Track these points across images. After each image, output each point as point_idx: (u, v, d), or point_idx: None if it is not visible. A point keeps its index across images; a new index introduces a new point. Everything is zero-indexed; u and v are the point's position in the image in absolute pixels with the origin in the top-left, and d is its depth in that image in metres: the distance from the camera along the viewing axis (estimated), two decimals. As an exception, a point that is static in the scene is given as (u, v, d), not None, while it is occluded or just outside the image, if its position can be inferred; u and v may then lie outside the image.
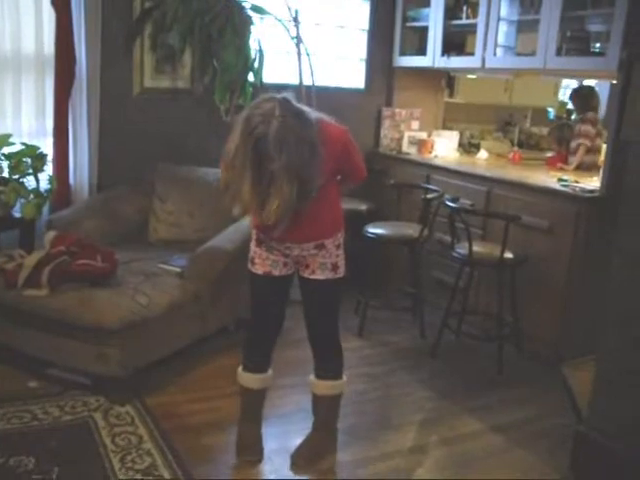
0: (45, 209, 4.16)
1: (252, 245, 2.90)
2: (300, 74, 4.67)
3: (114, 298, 3.35)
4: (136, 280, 3.57)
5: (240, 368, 3.04)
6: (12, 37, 4.10)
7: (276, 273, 2.87)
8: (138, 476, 2.77)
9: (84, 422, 3.17)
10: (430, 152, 5.40)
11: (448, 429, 3.40)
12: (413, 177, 5.09)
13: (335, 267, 2.85)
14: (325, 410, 3.05)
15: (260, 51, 4.41)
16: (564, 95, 6.94)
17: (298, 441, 3.06)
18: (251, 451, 3.00)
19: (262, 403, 3.08)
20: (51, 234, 3.68)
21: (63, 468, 2.77)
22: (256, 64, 4.41)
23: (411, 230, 4.44)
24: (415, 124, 5.71)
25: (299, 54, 4.66)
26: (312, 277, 2.85)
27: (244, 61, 4.29)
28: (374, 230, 4.46)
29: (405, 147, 5.57)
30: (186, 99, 4.76)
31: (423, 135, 5.60)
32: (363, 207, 5.02)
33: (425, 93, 5.79)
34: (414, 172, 5.17)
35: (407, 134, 5.60)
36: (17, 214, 4.00)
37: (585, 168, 4.85)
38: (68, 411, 3.26)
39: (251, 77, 4.42)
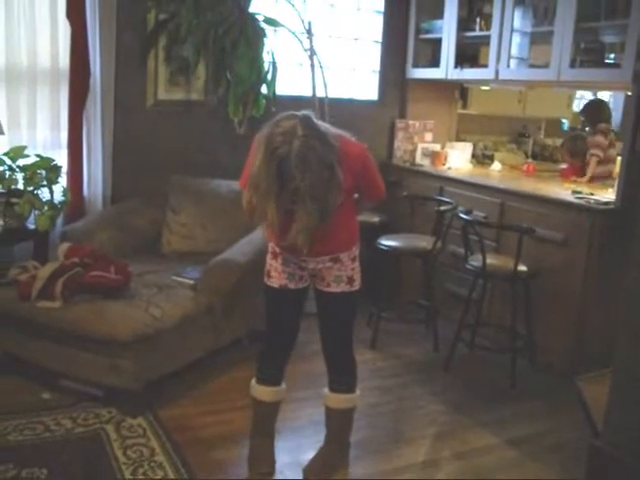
0: (59, 221, 4.19)
1: (268, 258, 2.91)
2: (313, 86, 4.68)
3: (127, 310, 3.36)
4: (149, 292, 3.58)
5: (253, 380, 3.03)
6: (28, 50, 4.14)
7: (292, 286, 2.87)
8: (150, 489, 2.77)
9: (96, 434, 3.17)
10: (443, 164, 5.39)
11: (461, 443, 3.37)
12: (426, 189, 5.08)
13: (351, 280, 2.84)
14: (338, 423, 3.04)
15: (273, 63, 4.43)
16: (578, 106, 6.92)
17: (310, 455, 3.05)
18: (263, 465, 2.98)
19: (275, 416, 3.07)
20: (65, 246, 3.70)
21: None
22: (269, 76, 4.42)
23: (424, 242, 4.43)
24: (428, 136, 5.71)
25: (312, 66, 4.66)
26: (327, 290, 2.85)
27: (257, 73, 4.29)
28: (387, 242, 4.45)
29: (418, 159, 5.57)
30: (200, 111, 4.78)
31: (436, 147, 5.60)
32: (376, 219, 5.01)
33: (438, 105, 5.79)
34: (427, 184, 5.17)
35: (420, 146, 5.60)
36: (31, 226, 4.02)
37: (599, 179, 4.82)
38: (80, 423, 3.26)
39: (264, 89, 4.43)
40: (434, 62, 5.44)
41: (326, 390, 3.03)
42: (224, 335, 3.86)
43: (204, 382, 3.77)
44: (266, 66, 4.39)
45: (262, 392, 3.00)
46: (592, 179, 4.86)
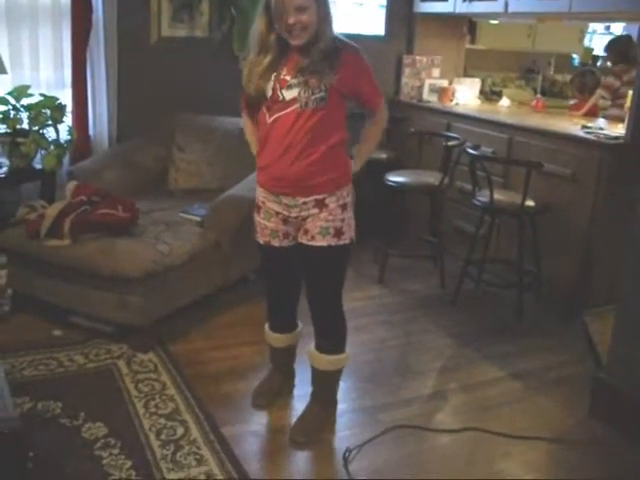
0: (65, 160, 4.18)
1: (254, 214, 2.79)
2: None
3: (135, 247, 3.38)
4: (157, 229, 3.59)
5: (267, 326, 3.02)
6: (28, -14, 4.08)
7: (276, 244, 2.71)
8: (162, 420, 2.83)
9: (108, 369, 3.23)
10: (451, 100, 5.33)
11: (467, 376, 3.42)
12: (434, 125, 5.03)
13: (339, 232, 2.59)
14: (323, 384, 2.92)
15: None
16: (590, 41, 6.81)
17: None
18: (261, 397, 3.03)
19: (291, 358, 3.08)
20: (72, 184, 3.70)
21: (89, 413, 2.84)
22: (274, 11, 4.34)
23: (432, 178, 4.41)
24: (436, 72, 5.62)
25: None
26: (311, 243, 2.60)
27: (262, 8, 4.22)
28: (394, 178, 4.43)
29: (426, 95, 5.50)
30: (204, 48, 4.71)
31: (444, 83, 5.52)
32: (383, 155, 4.98)
33: (446, 40, 5.69)
34: (435, 120, 5.12)
35: (428, 82, 5.52)
36: (38, 165, 4.02)
37: (611, 118, 4.75)
38: (92, 359, 3.32)
39: (269, 24, 4.35)
40: (442, -5, 5.32)
41: (312, 348, 2.85)
42: (232, 271, 3.88)
43: (213, 318, 3.81)
44: (271, 0, 4.31)
45: (274, 339, 3.00)
46: (587, 113, 4.84)
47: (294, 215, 2.61)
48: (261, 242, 2.76)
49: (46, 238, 3.45)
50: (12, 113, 3.94)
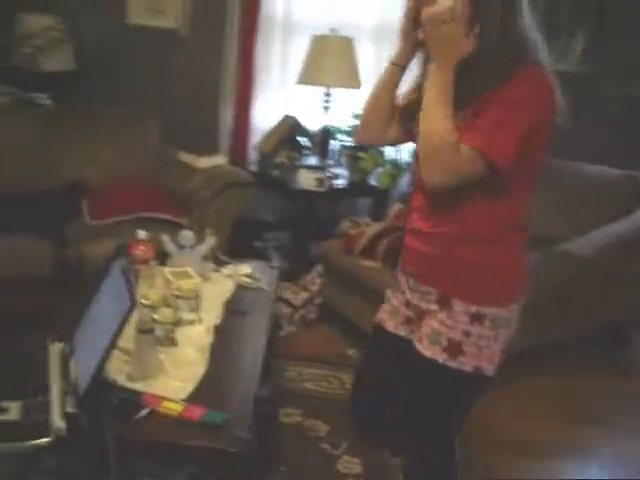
0: (403, 181, 4.13)
1: None
2: None
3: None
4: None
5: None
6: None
7: (389, 327, 1.93)
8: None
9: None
10: None
11: None
12: None
13: (455, 349, 1.71)
14: None
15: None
16: None
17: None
18: None
19: None
20: (397, 207, 3.63)
21: (350, 446, 2.67)
22: None
23: None
24: None
25: None
26: (415, 346, 1.80)
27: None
28: None
29: None
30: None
31: None
32: None
33: None
34: None
35: None
36: (374, 183, 4.01)
37: None
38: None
39: None
40: None
41: None
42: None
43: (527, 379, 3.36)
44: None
45: None
46: None
47: (414, 302, 1.84)
48: (376, 320, 2.01)
49: (360, 256, 3.41)
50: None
